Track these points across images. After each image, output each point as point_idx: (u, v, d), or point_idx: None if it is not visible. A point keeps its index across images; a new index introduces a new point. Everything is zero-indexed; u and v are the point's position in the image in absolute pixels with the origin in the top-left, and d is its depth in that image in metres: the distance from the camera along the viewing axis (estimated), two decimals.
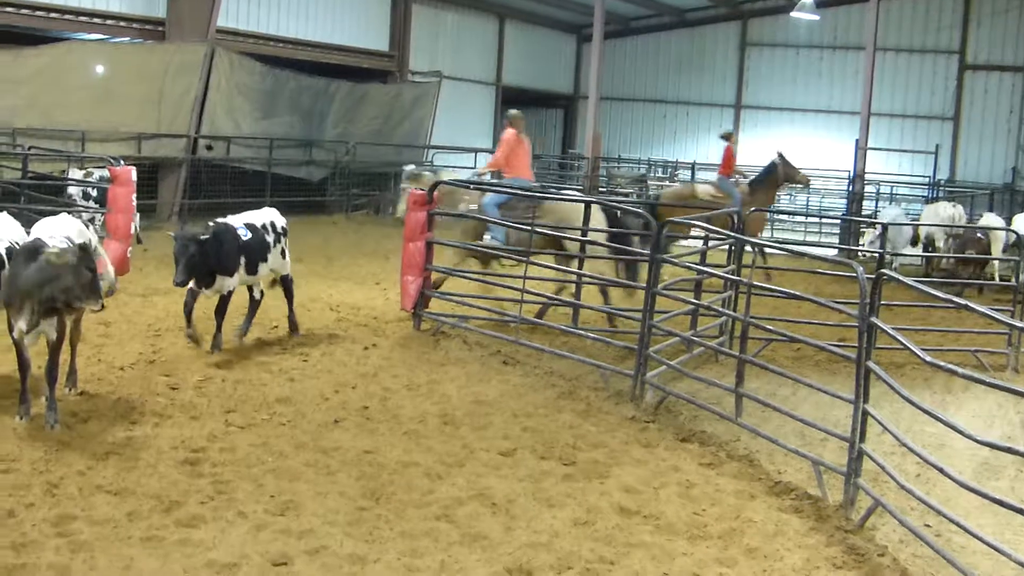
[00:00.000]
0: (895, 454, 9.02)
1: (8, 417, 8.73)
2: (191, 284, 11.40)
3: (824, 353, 12.32)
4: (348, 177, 28.41)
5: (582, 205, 13.77)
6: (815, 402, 10.78)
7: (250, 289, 12.19)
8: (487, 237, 14.07)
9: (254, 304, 12.20)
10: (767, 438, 9.25)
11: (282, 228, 12.47)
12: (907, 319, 15.63)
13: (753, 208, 17.96)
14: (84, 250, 8.51)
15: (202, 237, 11.22)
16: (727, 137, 21.33)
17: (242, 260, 11.70)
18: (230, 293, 11.70)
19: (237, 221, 11.87)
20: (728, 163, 20.51)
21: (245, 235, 11.75)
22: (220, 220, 11.81)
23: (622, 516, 7.63)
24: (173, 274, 11.30)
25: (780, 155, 20.75)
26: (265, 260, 12.11)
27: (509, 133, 15.06)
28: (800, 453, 8.85)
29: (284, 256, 12.49)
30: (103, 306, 8.83)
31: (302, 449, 8.57)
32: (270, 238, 12.21)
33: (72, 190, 18.02)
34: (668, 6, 37.14)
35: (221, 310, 11.65)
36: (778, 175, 20.68)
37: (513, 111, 15.58)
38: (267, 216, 12.37)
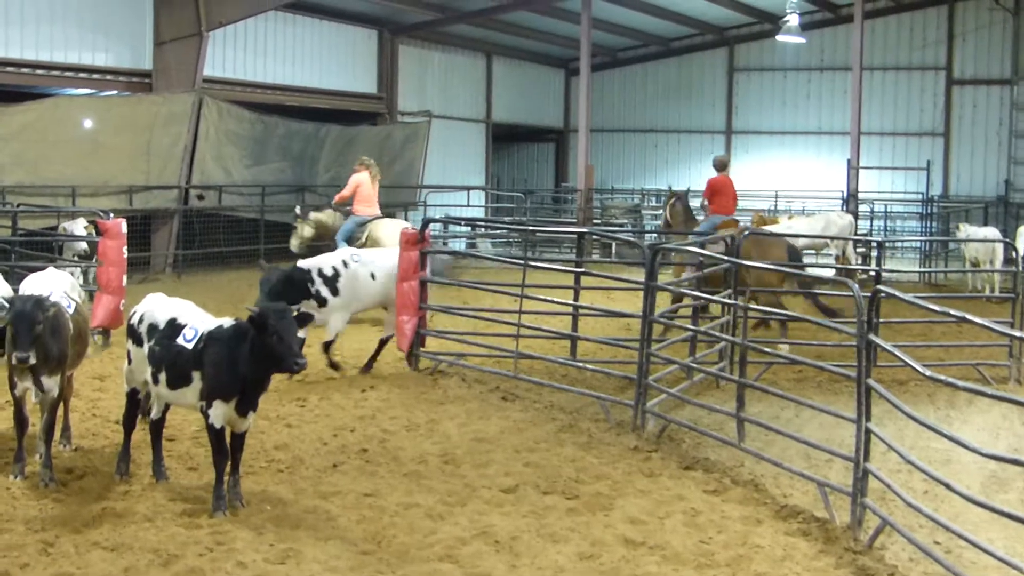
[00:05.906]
0: (901, 472, 8.92)
1: (3, 476, 8.63)
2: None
3: (826, 374, 12.26)
4: None
5: None
6: (819, 423, 10.69)
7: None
8: None
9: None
10: (771, 462, 9.15)
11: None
12: (909, 335, 15.57)
13: None
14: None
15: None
16: None
17: None
18: None
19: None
20: None
21: None
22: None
23: (628, 548, 7.52)
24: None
25: None
26: None
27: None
28: (805, 475, 8.74)
29: None
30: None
31: (301, 495, 8.46)
32: None
33: (79, 245, 17.72)
34: (654, 36, 37.23)
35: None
36: None
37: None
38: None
